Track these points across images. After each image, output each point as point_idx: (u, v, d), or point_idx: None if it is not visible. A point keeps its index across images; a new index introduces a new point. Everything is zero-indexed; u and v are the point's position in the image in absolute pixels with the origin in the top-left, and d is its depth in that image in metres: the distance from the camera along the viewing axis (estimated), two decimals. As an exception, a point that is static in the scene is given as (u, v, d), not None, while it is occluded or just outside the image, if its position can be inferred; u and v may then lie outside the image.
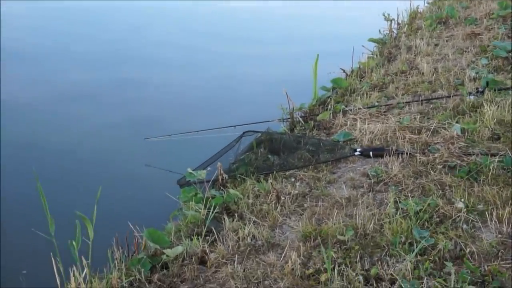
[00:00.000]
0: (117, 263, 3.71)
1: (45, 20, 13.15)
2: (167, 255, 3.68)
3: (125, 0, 14.68)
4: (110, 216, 4.68)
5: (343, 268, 3.34)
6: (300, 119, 6.02)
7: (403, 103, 5.88)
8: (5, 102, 7.64)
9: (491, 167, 4.25)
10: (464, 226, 3.67)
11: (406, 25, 9.37)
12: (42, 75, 9.13)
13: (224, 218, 4.05)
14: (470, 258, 3.35)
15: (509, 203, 3.82)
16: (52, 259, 3.44)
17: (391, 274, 3.26)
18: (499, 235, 3.56)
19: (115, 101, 8.10)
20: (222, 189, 4.60)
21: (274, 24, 12.90)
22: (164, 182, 5.31)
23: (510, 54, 6.74)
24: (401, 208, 3.87)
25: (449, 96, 5.81)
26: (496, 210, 3.76)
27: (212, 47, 10.79)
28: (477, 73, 6.38)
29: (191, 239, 3.83)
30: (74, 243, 3.42)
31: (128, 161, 6.36)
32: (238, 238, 3.80)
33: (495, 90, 5.71)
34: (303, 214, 4.03)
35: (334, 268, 3.31)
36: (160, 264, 3.67)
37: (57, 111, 7.69)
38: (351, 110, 5.90)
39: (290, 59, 9.99)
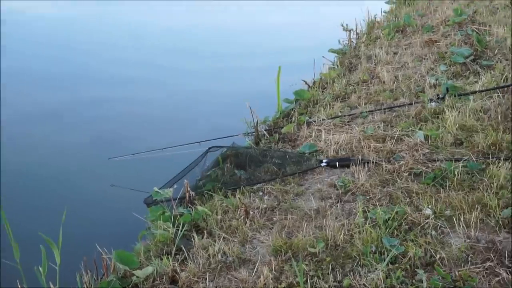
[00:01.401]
0: (86, 286, 3.65)
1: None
2: (137, 276, 3.63)
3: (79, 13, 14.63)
4: (77, 238, 4.60)
5: (316, 281, 3.34)
6: (265, 132, 6.02)
7: (366, 112, 5.92)
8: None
9: (456, 172, 4.30)
10: (433, 232, 3.70)
11: (365, 35, 9.47)
12: (5, 95, 8.95)
13: (193, 236, 4.01)
14: (441, 264, 3.37)
15: (476, 207, 3.86)
16: (18, 285, 3.37)
17: (364, 284, 3.27)
18: (468, 240, 3.59)
19: (77, 120, 8.04)
20: (190, 207, 4.55)
21: (233, 37, 12.92)
22: (130, 202, 5.23)
23: (468, 59, 6.85)
24: (370, 218, 3.89)
25: (411, 104, 5.87)
26: (463, 215, 3.80)
27: (172, 63, 10.78)
28: (436, 79, 6.47)
29: (161, 259, 3.78)
30: (40, 269, 3.35)
31: (93, 181, 6.29)
32: (209, 255, 3.77)
33: (455, 96, 5.78)
34: (272, 228, 4.02)
35: (306, 281, 3.31)
36: (130, 286, 3.62)
37: (19, 131, 7.59)
38: (315, 121, 5.92)
39: (251, 72, 10.03)
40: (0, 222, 4.90)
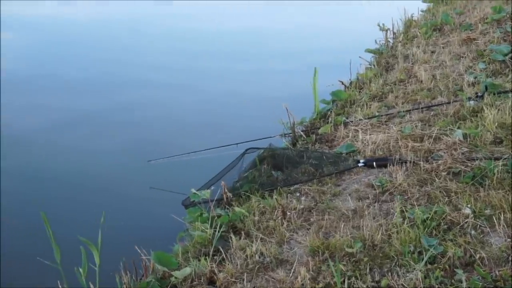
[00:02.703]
0: (126, 287, 3.69)
1: (35, 43, 13.22)
2: (175, 277, 3.66)
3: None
4: (116, 241, 4.66)
5: (353, 281, 3.33)
6: (302, 133, 6.02)
7: (403, 111, 5.88)
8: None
9: (495, 171, 4.24)
10: (473, 232, 3.66)
11: (402, 34, 9.39)
12: (37, 102, 9.06)
13: (231, 237, 4.03)
14: (481, 264, 3.33)
15: (516, 206, 3.80)
16: (60, 286, 3.43)
17: (402, 284, 3.24)
18: (508, 239, 3.54)
19: (110, 126, 8.06)
20: (227, 208, 4.59)
21: (269, 39, 12.92)
22: (168, 204, 5.27)
23: (507, 57, 6.74)
24: (408, 217, 3.86)
25: (449, 102, 5.81)
26: (503, 214, 3.74)
27: (209, 65, 10.80)
28: (475, 78, 6.38)
29: (199, 260, 3.81)
30: (80, 270, 3.41)
31: (131, 184, 6.33)
32: (246, 256, 3.78)
33: (494, 94, 5.70)
34: (310, 228, 4.01)
35: (344, 281, 3.30)
36: (169, 287, 3.65)
37: (55, 138, 7.65)
38: (352, 121, 5.90)
39: (287, 74, 10.00)
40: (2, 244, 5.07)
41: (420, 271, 3.28)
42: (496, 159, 4.43)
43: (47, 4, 17.48)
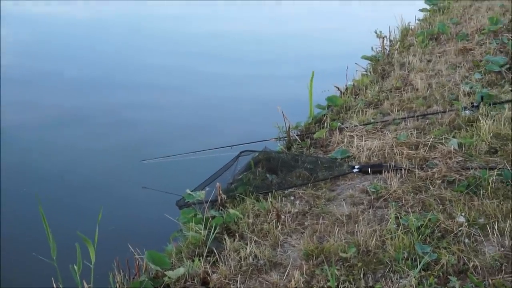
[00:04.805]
0: (119, 286, 3.69)
1: (27, 40, 13.18)
2: (169, 277, 3.65)
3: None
4: (110, 239, 4.64)
5: (347, 286, 3.34)
6: (297, 137, 6.02)
7: (399, 119, 5.90)
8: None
9: (490, 181, 4.26)
10: (466, 240, 3.67)
11: (398, 42, 9.42)
12: (32, 99, 9.05)
13: (224, 238, 4.03)
14: (474, 272, 3.34)
15: (510, 216, 3.83)
16: (53, 284, 3.42)
17: (396, 290, 3.25)
18: (502, 249, 3.56)
19: (107, 125, 8.05)
20: (221, 209, 4.58)
21: (265, 44, 12.92)
22: (162, 204, 5.25)
23: (503, 68, 6.78)
24: (402, 224, 3.87)
25: (444, 111, 5.83)
26: (497, 224, 3.76)
27: (204, 68, 10.77)
28: (471, 88, 6.40)
29: (193, 260, 3.81)
30: (75, 267, 3.40)
31: (125, 184, 6.33)
32: (240, 258, 3.78)
33: (489, 104, 5.73)
34: (304, 232, 4.02)
35: (338, 285, 3.31)
36: (162, 286, 3.65)
37: (48, 136, 7.64)
38: (347, 127, 5.90)
39: (282, 79, 10.02)
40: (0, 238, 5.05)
41: (414, 277, 3.29)
42: (491, 169, 4.46)
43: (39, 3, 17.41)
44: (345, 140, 5.59)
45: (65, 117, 8.33)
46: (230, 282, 3.57)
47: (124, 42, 13.17)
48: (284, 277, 3.54)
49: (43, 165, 6.75)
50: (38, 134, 7.67)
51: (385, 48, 9.14)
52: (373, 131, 5.73)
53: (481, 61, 7.31)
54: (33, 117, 8.30)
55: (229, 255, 3.85)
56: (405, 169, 4.69)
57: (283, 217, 4.24)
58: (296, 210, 4.34)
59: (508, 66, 6.85)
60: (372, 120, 6.02)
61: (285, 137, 6.08)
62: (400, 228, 3.82)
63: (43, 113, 8.47)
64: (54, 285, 3.41)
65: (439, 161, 4.80)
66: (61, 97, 9.23)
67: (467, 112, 5.68)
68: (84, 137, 7.62)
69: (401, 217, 3.96)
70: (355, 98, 7.04)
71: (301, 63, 10.53)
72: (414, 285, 3.24)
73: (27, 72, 10.56)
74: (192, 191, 4.77)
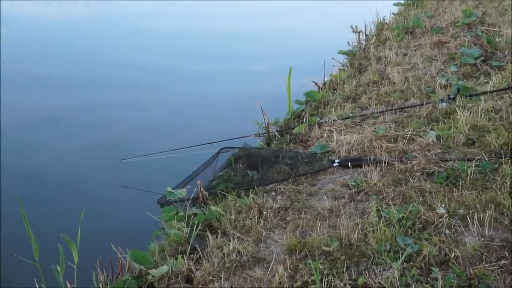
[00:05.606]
0: (102, 286, 3.68)
1: (5, 41, 13.03)
2: (152, 276, 3.65)
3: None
4: (92, 239, 4.59)
5: (331, 279, 3.36)
6: (276, 133, 6.04)
7: (377, 112, 5.94)
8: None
9: (468, 172, 4.31)
10: (447, 231, 3.71)
11: (374, 37, 9.49)
12: (8, 99, 8.93)
13: (207, 235, 4.03)
14: (455, 263, 3.39)
15: (489, 206, 3.87)
16: (36, 284, 3.40)
17: (379, 282, 3.28)
18: (482, 238, 3.60)
19: (81, 125, 7.96)
20: (203, 207, 4.58)
21: (241, 41, 12.91)
22: (143, 203, 5.25)
23: (478, 60, 6.86)
24: (384, 217, 3.90)
25: (422, 104, 5.88)
26: (476, 214, 3.81)
27: (181, 66, 10.76)
28: (447, 80, 6.47)
29: (176, 258, 3.81)
30: (58, 268, 3.38)
31: (104, 183, 6.29)
32: (223, 254, 3.79)
33: (466, 96, 5.79)
34: (286, 227, 4.03)
35: (322, 279, 3.33)
36: (146, 285, 3.65)
37: (27, 136, 7.55)
38: (326, 122, 5.93)
39: (260, 75, 10.02)
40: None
41: (396, 269, 3.32)
42: (469, 160, 4.51)
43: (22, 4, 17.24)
44: (325, 134, 5.62)
45: (43, 116, 8.23)
46: (214, 278, 3.58)
47: (99, 41, 13.09)
48: (268, 272, 3.56)
49: (22, 165, 6.67)
50: (16, 134, 7.58)
51: (361, 43, 9.21)
52: (352, 125, 5.76)
53: (456, 53, 7.39)
54: (10, 117, 8.20)
55: (212, 252, 3.85)
56: (384, 162, 4.72)
57: (265, 212, 4.25)
58: (278, 205, 4.35)
59: (482, 58, 6.94)
60: (350, 114, 6.06)
61: (265, 133, 6.10)
62: (381, 220, 3.85)
63: (20, 113, 8.36)
64: (37, 286, 3.39)
65: (418, 153, 4.85)
66: (38, 96, 9.14)
67: (444, 104, 5.74)
68: (63, 136, 7.55)
69: (382, 210, 3.99)
70: (333, 92, 7.07)
71: (278, 59, 10.55)
72: (397, 277, 3.27)
73: (3, 73, 10.41)
74: (173, 189, 4.76)
